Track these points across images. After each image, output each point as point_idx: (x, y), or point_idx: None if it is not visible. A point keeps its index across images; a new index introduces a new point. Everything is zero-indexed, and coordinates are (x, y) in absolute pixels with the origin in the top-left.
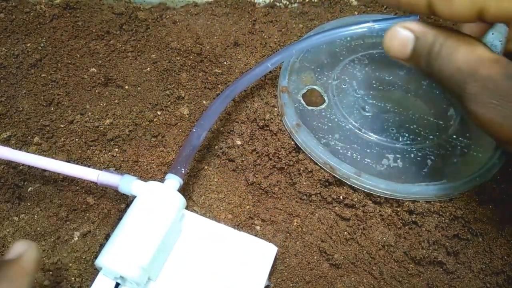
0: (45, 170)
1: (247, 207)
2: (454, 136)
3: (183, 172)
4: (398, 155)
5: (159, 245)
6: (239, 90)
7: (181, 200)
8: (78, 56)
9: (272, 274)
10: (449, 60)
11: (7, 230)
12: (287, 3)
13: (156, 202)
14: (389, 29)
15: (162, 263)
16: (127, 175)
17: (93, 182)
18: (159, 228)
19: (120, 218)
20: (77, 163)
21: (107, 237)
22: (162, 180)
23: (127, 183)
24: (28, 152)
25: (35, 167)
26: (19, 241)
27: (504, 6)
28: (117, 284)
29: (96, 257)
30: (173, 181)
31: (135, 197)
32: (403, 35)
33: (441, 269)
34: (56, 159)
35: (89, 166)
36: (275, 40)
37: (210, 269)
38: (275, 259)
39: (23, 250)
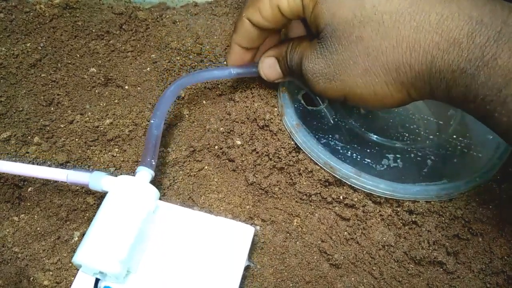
0: None
1: (247, 207)
2: (454, 136)
3: (153, 163)
4: (398, 155)
5: (135, 237)
6: (192, 82)
7: (153, 191)
8: (78, 56)
9: (252, 254)
10: (294, 61)
11: (7, 230)
12: None
13: (128, 195)
14: (259, 61)
15: (141, 255)
16: (97, 171)
17: (64, 182)
18: (133, 221)
19: None
20: (77, 163)
21: None
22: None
23: (96, 180)
24: (29, 152)
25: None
26: None
27: (291, 1)
28: (97, 280)
29: None
30: (145, 173)
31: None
32: (268, 61)
33: (441, 269)
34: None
35: (89, 167)
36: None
37: (190, 256)
38: (274, 251)
39: None
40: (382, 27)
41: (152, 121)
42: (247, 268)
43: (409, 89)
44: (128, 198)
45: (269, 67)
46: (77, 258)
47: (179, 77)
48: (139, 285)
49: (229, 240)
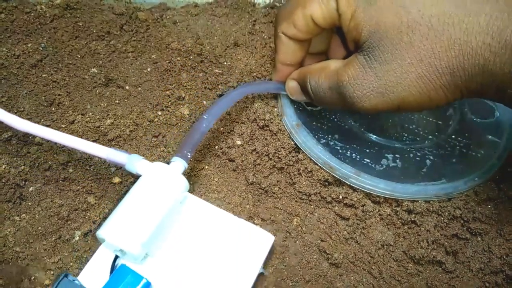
0: (46, 170)
1: (247, 206)
2: (453, 136)
3: (189, 156)
4: (397, 155)
5: (159, 223)
6: (255, 91)
7: (184, 182)
8: (79, 56)
9: (267, 263)
10: (321, 87)
11: (8, 229)
12: None
13: (159, 182)
14: (287, 81)
15: (161, 241)
16: (135, 155)
17: (103, 159)
18: (160, 207)
19: None
20: (78, 163)
21: None
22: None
23: (133, 162)
24: (30, 152)
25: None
26: None
27: (325, 10)
28: (116, 257)
29: None
30: (179, 164)
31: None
32: (291, 84)
33: (440, 269)
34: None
35: (90, 166)
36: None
37: (207, 252)
38: (274, 251)
39: None
40: (431, 31)
41: (204, 116)
42: (259, 275)
43: (462, 90)
44: (159, 185)
45: (293, 89)
46: (101, 232)
47: (246, 83)
48: (154, 269)
49: (247, 244)
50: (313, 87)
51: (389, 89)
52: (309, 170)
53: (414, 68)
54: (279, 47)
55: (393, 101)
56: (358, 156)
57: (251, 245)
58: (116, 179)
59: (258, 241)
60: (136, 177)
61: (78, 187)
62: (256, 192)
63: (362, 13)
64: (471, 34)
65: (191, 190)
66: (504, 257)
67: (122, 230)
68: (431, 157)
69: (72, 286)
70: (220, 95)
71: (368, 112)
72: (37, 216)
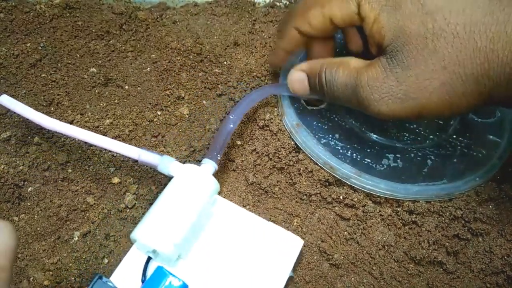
0: (45, 170)
1: (247, 207)
2: (454, 136)
3: (218, 158)
4: (398, 155)
5: (192, 224)
6: (277, 93)
7: (215, 184)
8: (78, 56)
9: (296, 267)
10: (336, 81)
11: None
12: (287, 3)
13: (192, 184)
14: (289, 73)
15: (192, 244)
16: (166, 156)
17: (135, 160)
18: (193, 209)
19: (120, 218)
20: (77, 163)
21: (107, 237)
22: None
23: (166, 163)
24: (29, 152)
25: (74, 137)
26: None
27: (344, 12)
28: (149, 258)
29: (96, 257)
30: (209, 166)
31: (172, 177)
32: (298, 75)
33: (441, 269)
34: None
35: (89, 167)
36: (275, 40)
37: (237, 255)
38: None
39: None
40: (457, 38)
41: (230, 116)
42: (289, 279)
43: (486, 98)
44: (191, 186)
45: (298, 81)
46: (135, 234)
47: (269, 84)
48: (186, 272)
49: (277, 248)
50: (327, 80)
51: (409, 95)
52: (309, 170)
53: (438, 75)
54: (286, 37)
55: (412, 108)
56: (358, 156)
57: (280, 248)
58: (116, 180)
59: (287, 244)
60: (135, 177)
61: (77, 188)
62: (256, 192)
63: (386, 17)
64: (498, 42)
65: None
66: (506, 257)
67: (156, 231)
68: (432, 157)
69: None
70: (220, 95)
71: (383, 117)
72: (36, 216)
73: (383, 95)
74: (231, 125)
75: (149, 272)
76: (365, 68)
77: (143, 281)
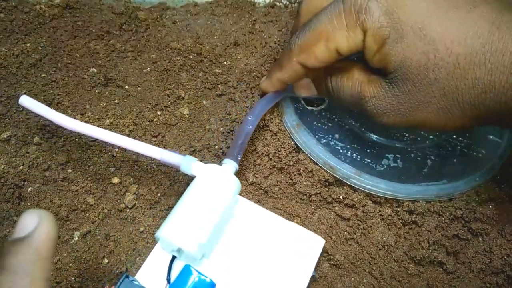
0: (45, 170)
1: None
2: (454, 136)
3: (239, 158)
4: (398, 155)
5: (216, 224)
6: (291, 94)
7: (237, 183)
8: (78, 56)
9: (318, 266)
10: (342, 90)
11: (7, 230)
12: (287, 3)
13: (215, 183)
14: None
15: (215, 243)
16: (189, 156)
17: (156, 159)
18: (217, 208)
19: (120, 218)
20: (77, 163)
21: (107, 237)
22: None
23: (188, 163)
24: (29, 152)
25: (88, 134)
26: (27, 212)
27: (351, 42)
28: (173, 258)
29: (96, 257)
30: (230, 165)
31: (194, 176)
32: (303, 81)
33: (441, 269)
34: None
35: (89, 167)
36: (275, 40)
37: (259, 254)
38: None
39: (34, 225)
40: (457, 69)
41: (248, 117)
42: (311, 278)
43: (481, 121)
44: (215, 186)
45: (304, 86)
46: (160, 233)
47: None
48: (209, 271)
49: (299, 247)
50: (334, 88)
51: (409, 113)
52: (309, 170)
53: (437, 100)
54: (286, 70)
55: (411, 122)
56: (358, 156)
57: (302, 248)
58: (116, 180)
59: (309, 244)
60: (135, 177)
61: (77, 188)
62: (256, 192)
63: (388, 49)
64: (495, 74)
65: None
66: (505, 257)
67: (181, 230)
68: (432, 157)
69: (132, 287)
70: (220, 95)
71: (387, 126)
72: None
73: (385, 111)
74: (249, 126)
75: (173, 272)
76: (367, 83)
77: (168, 281)
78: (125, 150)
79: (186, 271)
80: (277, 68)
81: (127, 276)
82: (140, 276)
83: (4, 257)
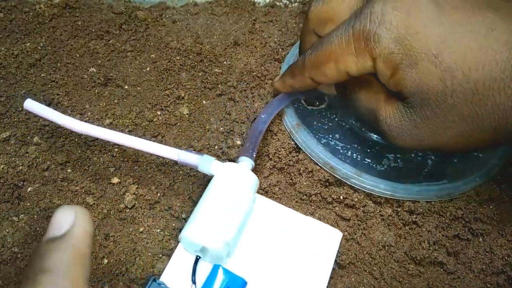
0: (44, 170)
1: None
2: None
3: (254, 155)
4: (398, 155)
5: (240, 222)
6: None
7: (256, 180)
8: (78, 55)
9: (336, 259)
10: (359, 102)
11: (7, 230)
12: (287, 2)
13: (235, 181)
14: None
15: (238, 240)
16: (206, 155)
17: (174, 160)
18: (239, 205)
19: (120, 218)
20: (77, 163)
21: (106, 237)
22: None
23: (206, 163)
24: (28, 152)
25: (99, 136)
26: (61, 209)
27: (360, 67)
28: (197, 258)
29: (95, 257)
30: (247, 163)
31: (212, 176)
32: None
33: (442, 270)
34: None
35: (88, 167)
36: (275, 39)
37: (280, 250)
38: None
39: (70, 223)
40: (476, 95)
41: (262, 116)
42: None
43: (501, 142)
44: (236, 184)
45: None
46: (184, 234)
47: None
48: (234, 269)
49: (318, 241)
50: (352, 97)
51: (427, 138)
52: (309, 170)
53: (456, 125)
54: (297, 81)
55: (428, 146)
56: (359, 156)
57: (321, 241)
58: (115, 180)
59: (327, 237)
60: (135, 177)
61: (77, 188)
62: (257, 192)
63: (403, 75)
64: None
65: (191, 191)
66: (506, 257)
67: (206, 230)
68: (432, 157)
69: None
70: (220, 95)
71: (401, 147)
72: (35, 216)
73: (400, 134)
74: (261, 125)
75: (197, 273)
76: (384, 102)
77: (193, 282)
78: (124, 150)
79: (216, 270)
80: (290, 75)
81: (154, 279)
82: (164, 279)
83: (43, 258)
